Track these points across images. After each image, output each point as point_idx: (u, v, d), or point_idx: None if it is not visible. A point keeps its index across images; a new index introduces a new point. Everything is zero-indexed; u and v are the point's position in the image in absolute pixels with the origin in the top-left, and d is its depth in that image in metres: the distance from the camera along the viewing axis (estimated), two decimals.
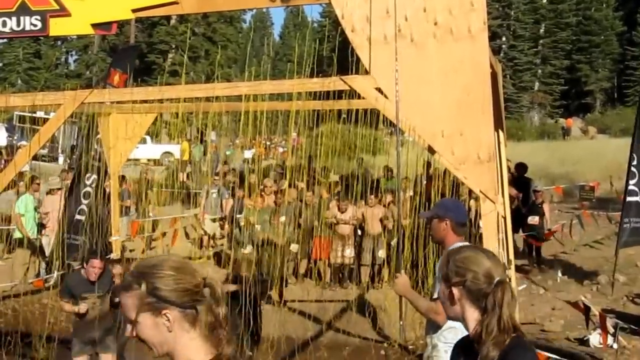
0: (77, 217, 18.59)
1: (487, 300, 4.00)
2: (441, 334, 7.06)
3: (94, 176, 18.70)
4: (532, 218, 19.86)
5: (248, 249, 19.94)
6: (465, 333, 7.11)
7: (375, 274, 19.56)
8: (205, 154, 39.03)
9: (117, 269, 12.93)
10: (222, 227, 24.39)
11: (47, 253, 19.13)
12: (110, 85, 17.89)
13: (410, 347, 14.93)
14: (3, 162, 31.58)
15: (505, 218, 9.39)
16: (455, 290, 4.20)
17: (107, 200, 18.95)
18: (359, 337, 15.95)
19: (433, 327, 7.14)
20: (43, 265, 18.94)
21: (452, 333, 7.01)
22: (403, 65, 8.19)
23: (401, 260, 8.05)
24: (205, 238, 24.10)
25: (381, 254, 19.39)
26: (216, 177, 25.47)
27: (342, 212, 19.52)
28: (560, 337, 14.73)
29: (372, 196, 19.70)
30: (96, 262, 12.06)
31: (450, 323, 6.97)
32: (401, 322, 7.68)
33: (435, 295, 6.95)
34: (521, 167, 21.37)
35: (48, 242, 19.41)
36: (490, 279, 4.00)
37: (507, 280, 3.98)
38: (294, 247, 19.12)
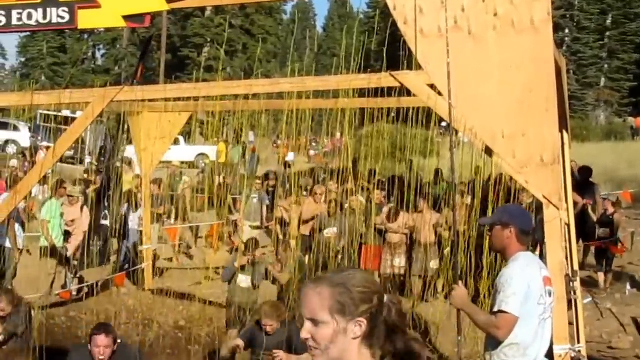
0: (102, 222, 18.74)
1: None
2: (501, 350, 7.02)
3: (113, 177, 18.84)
4: (603, 231, 19.54)
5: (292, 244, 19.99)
6: (531, 349, 7.10)
7: (427, 286, 19.42)
8: (244, 155, 39.09)
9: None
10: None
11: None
12: (137, 83, 18.00)
13: None
14: (26, 164, 31.83)
15: (569, 226, 9.33)
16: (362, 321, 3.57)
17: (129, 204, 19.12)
18: None
19: (492, 343, 7.10)
20: (70, 275, 19.03)
21: (513, 350, 6.98)
22: (459, 60, 8.16)
23: (458, 270, 8.00)
24: (243, 247, 24.07)
25: (433, 264, 19.27)
26: (257, 181, 25.40)
27: (393, 222, 19.43)
28: (630, 355, 14.58)
29: (423, 202, 19.59)
30: (101, 340, 9.53)
31: (511, 339, 6.94)
32: (459, 338, 7.64)
33: (495, 309, 6.92)
34: (585, 171, 21.10)
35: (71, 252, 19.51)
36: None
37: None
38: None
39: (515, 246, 7.18)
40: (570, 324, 8.54)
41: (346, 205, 20.17)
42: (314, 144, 48.22)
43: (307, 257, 19.21)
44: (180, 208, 26.65)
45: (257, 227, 23.96)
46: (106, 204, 19.12)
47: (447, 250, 18.35)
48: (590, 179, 21.06)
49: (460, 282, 7.40)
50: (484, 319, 7.09)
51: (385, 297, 3.64)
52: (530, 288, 6.98)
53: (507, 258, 7.25)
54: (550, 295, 7.21)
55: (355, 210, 19.70)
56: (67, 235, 20.02)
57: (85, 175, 27.83)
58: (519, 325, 6.89)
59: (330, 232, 19.16)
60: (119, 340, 9.92)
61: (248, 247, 15.49)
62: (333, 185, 21.23)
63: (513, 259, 7.15)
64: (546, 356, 7.23)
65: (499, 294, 6.98)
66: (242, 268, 15.65)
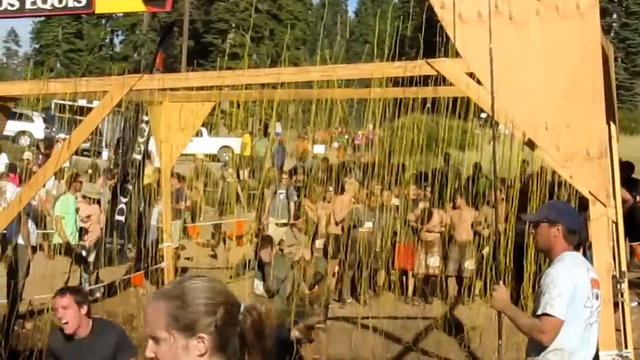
0: (117, 217, 18.79)
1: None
2: (544, 356, 6.98)
3: (132, 171, 18.90)
4: None
5: (319, 243, 20.01)
6: (576, 355, 7.07)
7: (464, 287, 19.39)
8: (270, 148, 39.14)
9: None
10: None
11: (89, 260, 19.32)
12: (158, 71, 18.05)
13: None
14: (41, 157, 32.00)
15: (617, 224, 9.27)
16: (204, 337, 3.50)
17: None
18: (446, 359, 15.85)
19: (535, 348, 7.06)
20: (85, 275, 19.11)
21: (557, 356, 6.95)
22: (500, 47, 8.12)
23: (499, 270, 7.97)
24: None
25: (468, 264, 19.25)
26: (284, 176, 25.34)
27: (426, 222, 19.43)
28: None
29: (461, 198, 19.58)
30: (58, 302, 9.08)
31: (556, 344, 6.90)
32: (500, 342, 7.61)
33: (540, 312, 6.88)
34: (627, 167, 20.75)
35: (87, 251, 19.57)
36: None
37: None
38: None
39: (562, 245, 7.14)
40: (617, 329, 8.49)
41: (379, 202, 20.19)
42: (339, 136, 48.16)
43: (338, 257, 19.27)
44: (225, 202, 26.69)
45: (284, 225, 23.95)
46: (123, 198, 19.17)
47: (485, 250, 18.33)
48: (633, 176, 20.73)
49: (501, 282, 7.37)
50: (528, 322, 7.06)
51: (242, 306, 3.50)
52: (577, 290, 6.94)
53: (552, 258, 7.20)
54: (597, 298, 7.17)
55: (388, 206, 19.70)
56: (82, 232, 20.10)
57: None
58: (564, 329, 6.85)
59: (366, 226, 19.19)
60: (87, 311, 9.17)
61: (264, 246, 14.18)
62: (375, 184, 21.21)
63: (559, 259, 7.11)
64: None
65: (543, 296, 6.94)
66: (261, 268, 14.95)
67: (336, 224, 20.05)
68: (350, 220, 19.51)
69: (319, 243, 19.96)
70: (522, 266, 14.47)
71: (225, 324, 3.42)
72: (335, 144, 44.73)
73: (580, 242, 7.65)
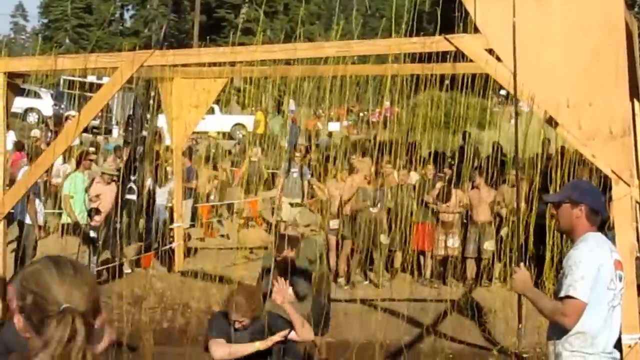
0: (127, 196, 18.80)
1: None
2: (566, 340, 6.95)
3: (140, 148, 18.90)
4: None
5: (334, 224, 19.93)
6: (599, 339, 7.05)
7: (482, 269, 19.37)
8: (284, 126, 39.06)
9: None
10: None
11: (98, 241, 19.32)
12: (163, 42, 18.04)
13: (526, 355, 14.83)
14: (49, 134, 32.00)
15: None
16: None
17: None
18: (465, 343, 15.86)
19: (557, 331, 7.03)
20: (93, 257, 19.11)
21: (579, 339, 6.92)
22: (521, 23, 8.09)
23: (520, 252, 7.95)
24: (283, 225, 24.09)
25: (487, 245, 19.21)
26: (297, 154, 25.24)
27: (444, 202, 19.39)
28: None
29: (480, 178, 19.54)
30: None
31: (578, 327, 6.88)
32: (520, 326, 7.60)
33: (562, 294, 6.86)
34: None
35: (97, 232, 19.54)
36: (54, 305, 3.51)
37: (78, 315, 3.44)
38: (383, 238, 19.01)
39: (585, 226, 7.08)
40: None
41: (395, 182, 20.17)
42: (348, 115, 47.92)
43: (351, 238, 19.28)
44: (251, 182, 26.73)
45: (298, 205, 23.92)
46: (132, 177, 19.18)
47: (504, 231, 18.30)
48: None
49: (522, 264, 7.34)
50: (549, 305, 7.02)
51: (62, 306, 3.40)
52: (600, 272, 6.90)
53: (575, 239, 7.15)
54: (620, 280, 7.14)
55: (404, 186, 19.67)
56: (91, 212, 20.13)
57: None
58: (586, 312, 6.81)
59: (376, 208, 19.16)
60: None
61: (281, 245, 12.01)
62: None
63: (582, 240, 7.06)
64: (615, 346, 7.18)
65: (566, 278, 6.90)
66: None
67: (343, 204, 19.94)
68: (359, 200, 19.39)
69: (334, 224, 19.89)
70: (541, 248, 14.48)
71: (32, 311, 3.48)
72: (345, 122, 44.38)
73: (603, 222, 7.63)
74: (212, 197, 26.16)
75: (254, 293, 9.65)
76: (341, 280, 19.42)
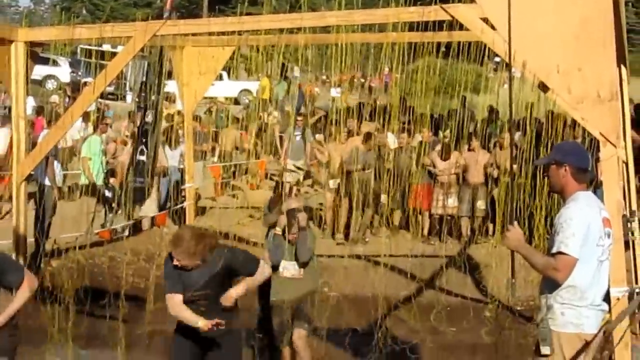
0: (139, 157, 18.81)
1: None
2: (558, 293, 6.97)
3: (151, 112, 18.89)
4: None
5: (332, 183, 19.94)
6: (588, 292, 7.07)
7: (477, 227, 19.40)
8: (288, 92, 39.03)
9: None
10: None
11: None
12: (168, 12, 18.02)
13: (519, 308, 14.86)
14: (67, 100, 32.01)
15: (627, 164, 9.25)
16: None
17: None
18: (461, 296, 15.89)
19: (549, 285, 7.04)
20: (110, 216, 19.15)
21: (570, 293, 6.94)
22: None
23: (513, 210, 7.94)
24: (287, 186, 24.17)
25: (480, 205, 19.25)
26: (299, 119, 25.28)
27: (444, 160, 19.38)
28: None
29: (475, 140, 19.54)
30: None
31: (569, 281, 6.90)
32: (513, 280, 7.60)
33: (554, 250, 6.86)
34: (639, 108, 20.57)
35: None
36: None
37: None
38: (384, 198, 18.99)
39: (573, 185, 7.10)
40: (628, 270, 8.47)
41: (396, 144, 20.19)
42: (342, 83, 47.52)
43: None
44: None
45: (299, 169, 23.98)
46: (144, 139, 19.16)
47: (496, 191, 18.33)
48: None
49: (515, 222, 7.33)
50: (542, 260, 7.02)
51: None
52: (590, 229, 6.92)
53: (566, 198, 7.17)
54: (609, 236, 7.16)
55: (405, 148, 19.66)
56: (107, 174, 20.16)
57: None
58: (577, 267, 6.83)
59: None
60: None
61: (290, 223, 11.05)
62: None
63: (572, 199, 7.08)
64: (603, 299, 7.20)
65: (557, 235, 6.91)
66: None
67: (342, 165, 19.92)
68: (354, 162, 19.31)
69: (333, 183, 19.91)
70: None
71: None
72: (338, 89, 43.81)
73: (592, 181, 7.63)
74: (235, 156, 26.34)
75: (202, 236, 8.53)
76: (339, 236, 19.48)
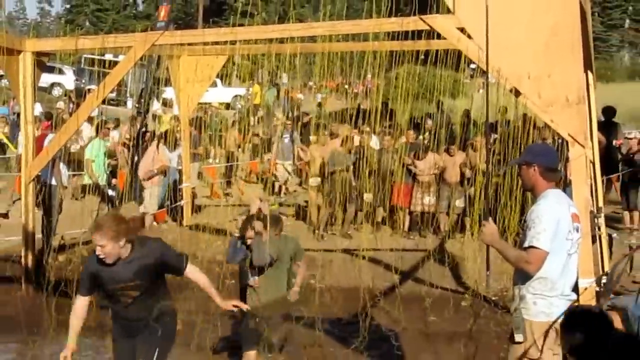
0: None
1: None
2: (530, 284, 7.00)
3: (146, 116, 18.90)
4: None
5: (313, 181, 19.93)
6: (558, 283, 7.07)
7: (452, 223, 19.42)
8: (278, 97, 39.03)
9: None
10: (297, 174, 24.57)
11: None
12: (161, 23, 18.02)
13: (494, 298, 14.84)
14: (72, 106, 31.93)
15: (594, 163, 9.28)
16: None
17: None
18: (440, 288, 15.85)
19: (522, 277, 7.07)
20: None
21: (541, 284, 6.97)
22: (489, 4, 8.06)
23: (488, 207, 7.96)
24: (277, 185, 24.21)
25: (457, 203, 19.27)
26: (288, 122, 25.39)
27: (419, 160, 19.38)
28: None
29: (454, 146, 19.57)
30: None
31: (540, 273, 6.92)
32: (487, 272, 7.60)
33: (526, 244, 6.88)
34: (609, 111, 20.66)
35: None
36: None
37: None
38: (368, 196, 18.99)
39: (542, 183, 7.15)
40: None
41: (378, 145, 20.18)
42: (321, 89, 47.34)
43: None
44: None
45: (289, 166, 24.08)
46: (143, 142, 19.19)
47: (470, 190, 18.38)
48: (614, 119, 20.70)
49: (490, 218, 7.34)
50: (515, 254, 7.06)
51: None
52: (560, 224, 6.96)
53: (537, 196, 7.22)
54: (577, 231, 7.19)
55: (387, 149, 19.64)
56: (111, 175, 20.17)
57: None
58: (548, 260, 6.87)
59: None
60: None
61: (245, 227, 10.11)
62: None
63: (542, 196, 7.12)
64: (572, 290, 7.22)
65: (529, 230, 6.96)
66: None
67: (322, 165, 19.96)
68: (333, 162, 19.33)
69: (313, 181, 19.91)
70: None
71: None
72: (320, 95, 43.37)
73: (561, 178, 7.68)
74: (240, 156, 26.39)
75: (122, 219, 7.97)
76: (319, 232, 19.47)
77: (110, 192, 19.45)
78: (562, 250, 6.98)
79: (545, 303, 6.99)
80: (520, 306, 7.09)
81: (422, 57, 16.30)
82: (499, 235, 7.21)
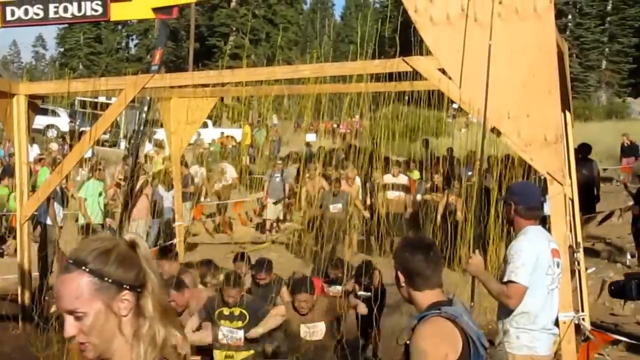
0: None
1: None
2: (512, 319, 7.07)
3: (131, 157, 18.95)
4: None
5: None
6: (540, 317, 7.11)
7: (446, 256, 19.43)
8: (267, 138, 39.16)
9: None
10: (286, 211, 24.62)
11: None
12: (155, 66, 18.10)
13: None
14: (66, 147, 31.96)
15: (572, 200, 9.32)
16: None
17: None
18: None
19: (504, 311, 7.15)
20: None
21: (524, 318, 7.03)
22: (467, 46, 8.18)
23: (476, 241, 8.05)
24: (268, 223, 24.24)
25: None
26: (279, 161, 25.53)
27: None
28: (631, 321, 14.56)
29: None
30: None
31: (522, 307, 6.98)
32: (472, 304, 7.62)
33: (505, 279, 6.94)
34: (585, 148, 20.74)
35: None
36: None
37: None
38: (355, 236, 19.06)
39: (520, 221, 7.27)
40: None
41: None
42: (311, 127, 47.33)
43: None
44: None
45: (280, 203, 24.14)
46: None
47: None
48: (590, 156, 20.76)
49: (477, 251, 7.40)
50: (497, 287, 7.13)
51: None
52: (539, 260, 7.04)
53: (516, 232, 7.31)
54: (558, 266, 7.25)
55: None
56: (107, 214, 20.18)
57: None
58: (528, 294, 6.95)
59: (335, 207, 19.17)
60: None
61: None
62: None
63: (522, 232, 7.23)
64: (555, 324, 7.27)
65: (508, 265, 7.04)
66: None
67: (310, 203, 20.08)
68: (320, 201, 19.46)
69: (297, 215, 20.08)
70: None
71: None
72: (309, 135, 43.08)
73: (541, 215, 7.74)
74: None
75: None
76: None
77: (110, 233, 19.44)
78: (542, 285, 7.05)
79: (528, 337, 7.05)
80: (504, 340, 7.14)
81: (407, 97, 16.41)
82: (484, 267, 7.27)
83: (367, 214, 19.31)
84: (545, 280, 7.13)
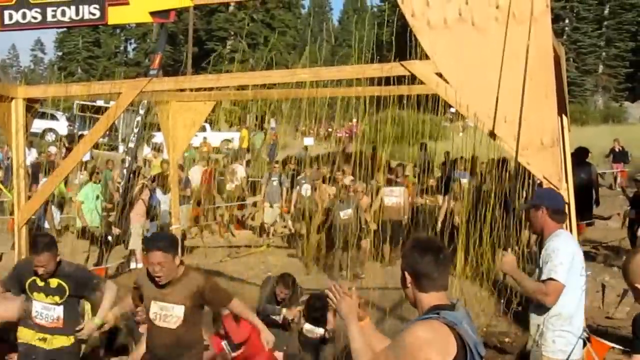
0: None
1: None
2: (548, 321, 7.16)
3: (128, 158, 18.97)
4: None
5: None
6: (575, 318, 7.15)
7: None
8: (265, 141, 39.20)
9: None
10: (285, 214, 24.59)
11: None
12: (154, 71, 18.10)
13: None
14: (65, 151, 31.94)
15: (569, 204, 9.32)
16: None
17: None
18: None
19: (539, 311, 7.23)
20: (105, 255, 19.07)
21: (560, 320, 7.14)
22: (464, 50, 8.18)
23: (508, 240, 8.10)
24: (266, 226, 24.23)
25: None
26: (276, 165, 25.54)
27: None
28: (626, 324, 14.54)
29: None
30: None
31: (557, 309, 7.05)
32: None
33: (544, 277, 6.97)
34: (582, 152, 20.72)
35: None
36: None
37: None
38: (364, 242, 19.00)
39: (551, 224, 7.31)
40: None
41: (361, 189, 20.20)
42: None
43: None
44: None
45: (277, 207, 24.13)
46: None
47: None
48: (587, 160, 20.76)
49: (509, 249, 7.45)
50: (533, 285, 7.19)
51: None
52: (574, 260, 7.15)
53: (546, 237, 7.35)
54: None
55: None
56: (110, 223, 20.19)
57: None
58: (563, 295, 7.02)
59: (346, 214, 19.10)
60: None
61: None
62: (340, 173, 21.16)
63: (555, 235, 7.27)
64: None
65: (546, 264, 7.11)
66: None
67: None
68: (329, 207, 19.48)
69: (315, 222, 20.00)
70: None
71: None
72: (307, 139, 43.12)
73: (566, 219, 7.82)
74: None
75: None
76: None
77: (109, 238, 19.41)
78: (577, 286, 7.15)
79: (563, 342, 7.15)
80: (540, 342, 7.18)
81: (405, 101, 16.42)
82: (517, 266, 7.31)
83: (374, 226, 19.18)
84: (580, 281, 7.24)
